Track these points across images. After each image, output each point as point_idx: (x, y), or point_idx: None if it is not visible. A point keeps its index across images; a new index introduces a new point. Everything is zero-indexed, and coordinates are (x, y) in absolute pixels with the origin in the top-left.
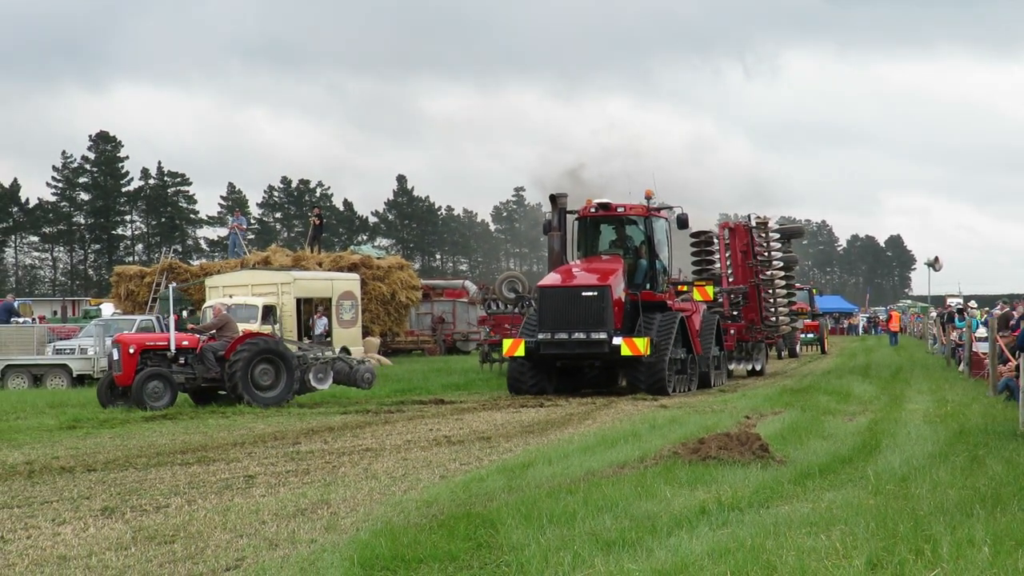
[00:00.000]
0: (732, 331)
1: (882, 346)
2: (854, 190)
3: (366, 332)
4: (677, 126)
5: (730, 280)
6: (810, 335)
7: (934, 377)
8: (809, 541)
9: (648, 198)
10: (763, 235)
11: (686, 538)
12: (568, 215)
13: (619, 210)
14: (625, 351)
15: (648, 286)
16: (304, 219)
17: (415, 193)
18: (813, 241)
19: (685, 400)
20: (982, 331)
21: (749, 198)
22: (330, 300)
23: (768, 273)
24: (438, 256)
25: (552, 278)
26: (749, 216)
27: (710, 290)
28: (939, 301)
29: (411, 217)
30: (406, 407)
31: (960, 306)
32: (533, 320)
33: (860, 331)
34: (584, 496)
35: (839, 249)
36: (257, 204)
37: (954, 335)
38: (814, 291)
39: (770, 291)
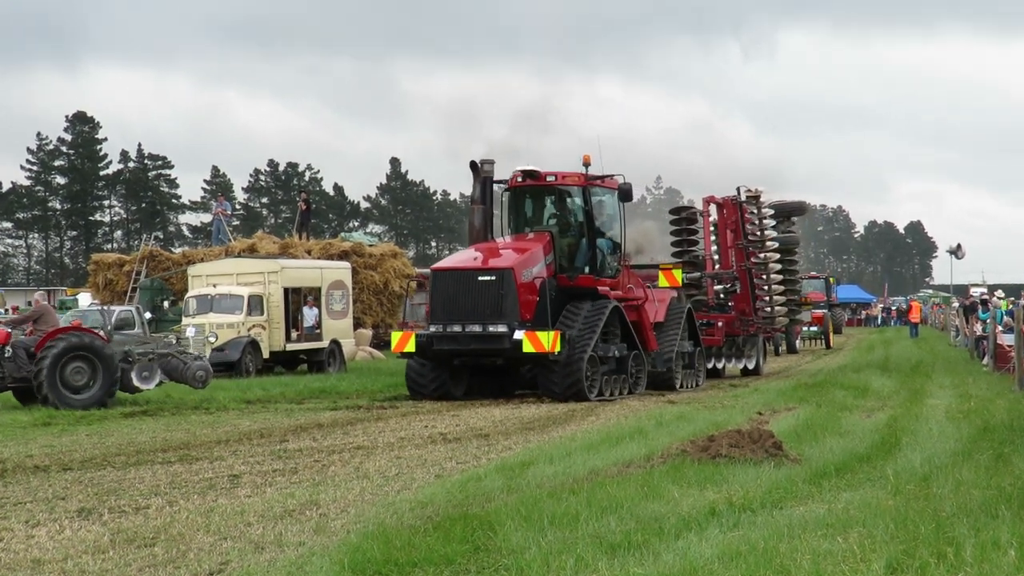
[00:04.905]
0: (720, 323)
1: (902, 338)
2: (862, 174)
3: (358, 324)
4: (674, 109)
5: (716, 264)
6: (813, 328)
7: (957, 371)
8: (825, 544)
9: (586, 165)
10: (755, 211)
11: (695, 541)
12: (498, 185)
13: (549, 179)
14: (527, 347)
15: (587, 269)
16: (292, 204)
17: (409, 177)
18: (829, 227)
19: (694, 395)
20: (1007, 322)
21: (755, 183)
22: (319, 290)
23: (761, 256)
24: (433, 243)
25: (451, 259)
26: (738, 189)
27: (678, 274)
28: (962, 290)
29: (405, 202)
30: (399, 403)
31: (984, 296)
32: None
33: (878, 322)
34: (587, 496)
35: (856, 236)
36: (242, 188)
37: (978, 327)
38: (831, 280)
39: (764, 276)
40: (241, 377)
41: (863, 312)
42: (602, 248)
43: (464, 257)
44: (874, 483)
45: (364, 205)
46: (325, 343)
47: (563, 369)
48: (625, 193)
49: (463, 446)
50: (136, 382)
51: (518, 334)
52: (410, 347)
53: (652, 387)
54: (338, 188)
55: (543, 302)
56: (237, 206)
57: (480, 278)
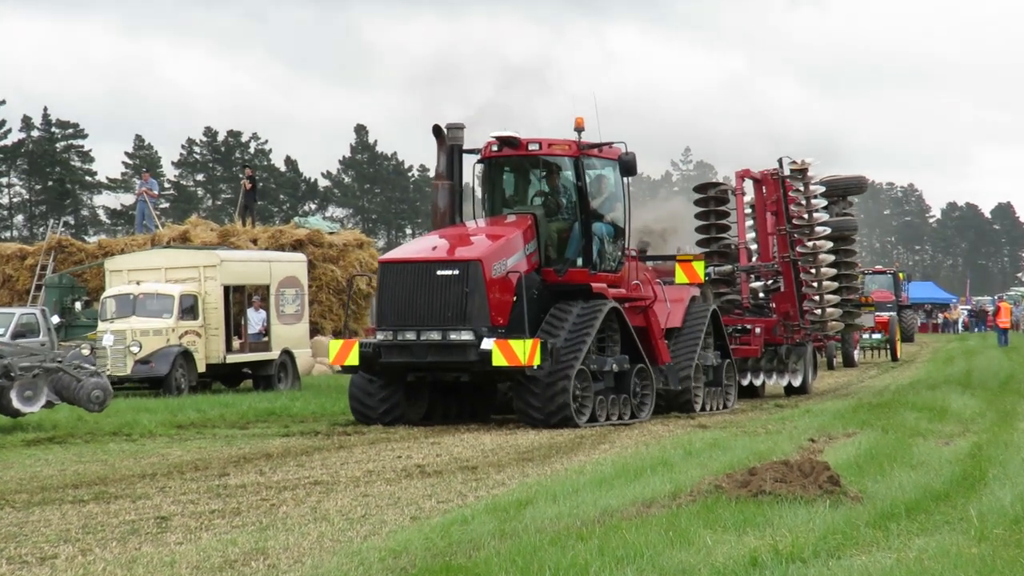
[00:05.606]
0: (757, 330)
1: (988, 347)
2: (937, 144)
3: (315, 330)
4: (704, 65)
5: (753, 255)
6: (876, 336)
7: None
8: None
9: (579, 130)
10: (802, 189)
11: None
12: (470, 156)
13: (532, 148)
14: (498, 360)
15: (580, 261)
16: (234, 182)
17: (378, 149)
18: (897, 210)
19: (731, 418)
20: None
21: (803, 153)
22: (268, 288)
23: (810, 244)
24: (408, 230)
25: (405, 248)
26: (780, 161)
27: (700, 267)
28: None
29: (373, 180)
30: (366, 428)
31: None
32: None
33: (959, 328)
34: (599, 543)
35: (931, 221)
36: (172, 163)
37: None
38: (901, 276)
39: (813, 271)
40: (171, 396)
41: (939, 315)
42: (600, 234)
43: (422, 246)
44: (954, 526)
45: (323, 183)
46: (274, 354)
47: (544, 388)
48: (627, 165)
49: (445, 481)
50: (16, 403)
51: (487, 343)
52: (352, 359)
53: (664, 409)
54: (291, 162)
55: (520, 303)
56: (166, 185)
57: (440, 272)
